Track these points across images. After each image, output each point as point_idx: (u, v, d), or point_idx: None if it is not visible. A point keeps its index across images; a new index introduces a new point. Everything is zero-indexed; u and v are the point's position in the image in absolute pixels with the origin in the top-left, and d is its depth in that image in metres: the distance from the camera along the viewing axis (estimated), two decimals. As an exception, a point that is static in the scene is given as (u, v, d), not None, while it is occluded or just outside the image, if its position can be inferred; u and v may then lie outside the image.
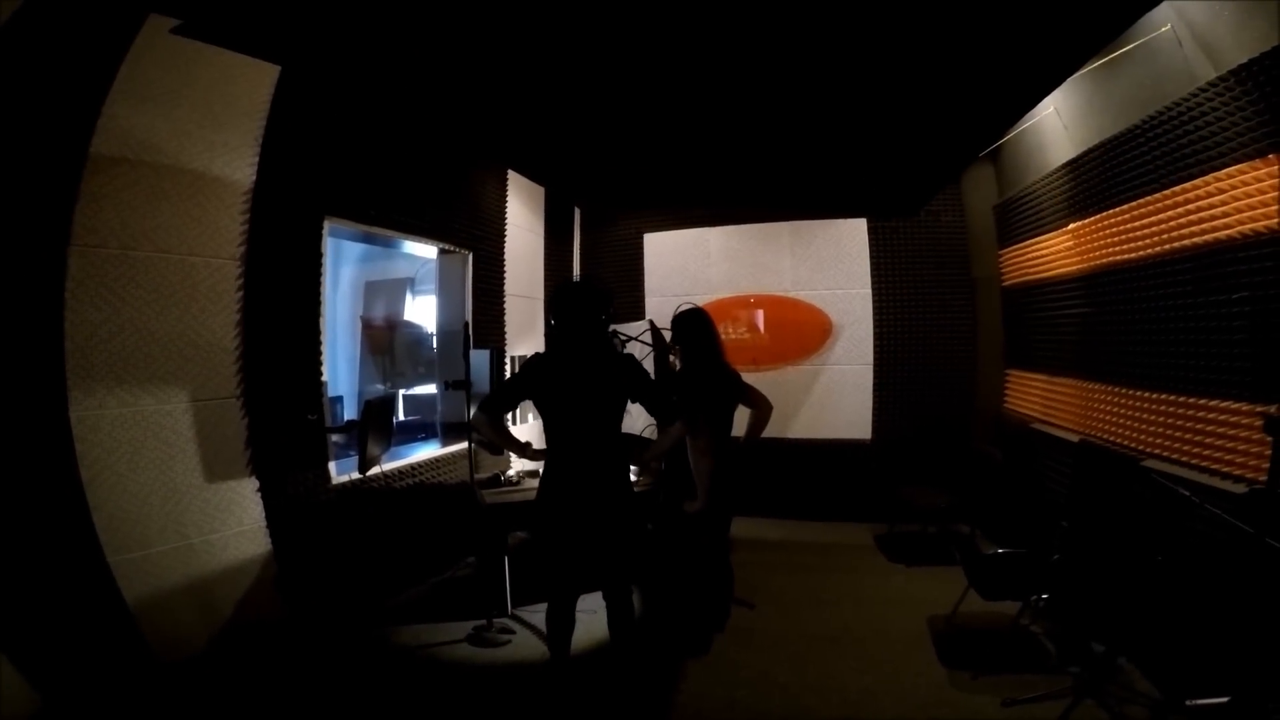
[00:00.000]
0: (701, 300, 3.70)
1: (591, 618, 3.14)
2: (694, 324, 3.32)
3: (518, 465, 4.53)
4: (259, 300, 3.11)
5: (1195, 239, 2.68)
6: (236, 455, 3.04)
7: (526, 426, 4.86)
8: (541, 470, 2.61)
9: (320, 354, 3.45)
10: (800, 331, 5.65)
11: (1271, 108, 2.25)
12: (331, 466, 3.54)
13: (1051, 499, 3.78)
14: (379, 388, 5.71)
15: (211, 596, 2.91)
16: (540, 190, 5.82)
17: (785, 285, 5.72)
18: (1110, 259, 3.33)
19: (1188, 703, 2.38)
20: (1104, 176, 3.35)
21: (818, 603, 3.81)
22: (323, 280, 3.47)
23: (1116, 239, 3.26)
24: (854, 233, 5.56)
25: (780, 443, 5.55)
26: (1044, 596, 2.99)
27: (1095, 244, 3.48)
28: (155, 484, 2.72)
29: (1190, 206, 2.70)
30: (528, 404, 2.67)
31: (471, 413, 2.88)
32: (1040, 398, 4.29)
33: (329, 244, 3.56)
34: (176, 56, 2.71)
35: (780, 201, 5.71)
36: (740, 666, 3.07)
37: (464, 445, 3.75)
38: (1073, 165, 3.67)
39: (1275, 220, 2.26)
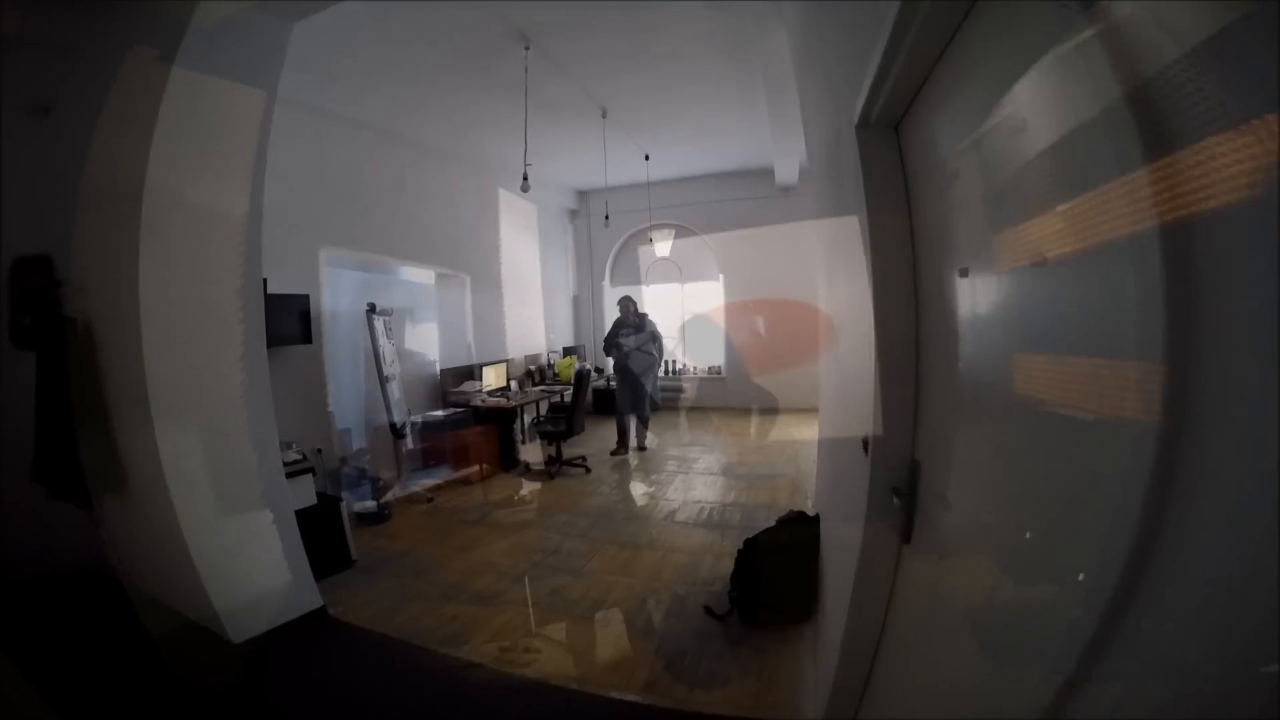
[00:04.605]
0: (709, 302, 3.67)
1: (597, 624, 3.03)
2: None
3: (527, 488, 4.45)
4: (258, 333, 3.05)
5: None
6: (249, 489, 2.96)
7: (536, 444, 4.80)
8: None
9: (325, 386, 3.39)
10: (803, 333, 5.59)
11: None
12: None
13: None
14: (397, 419, 5.62)
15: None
16: (533, 209, 5.82)
17: (789, 288, 5.72)
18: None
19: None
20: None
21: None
22: (322, 310, 3.43)
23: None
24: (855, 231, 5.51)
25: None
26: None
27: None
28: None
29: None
30: (531, 406, 2.61)
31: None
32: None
33: (326, 274, 3.52)
34: (162, 85, 2.68)
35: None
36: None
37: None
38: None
39: None
